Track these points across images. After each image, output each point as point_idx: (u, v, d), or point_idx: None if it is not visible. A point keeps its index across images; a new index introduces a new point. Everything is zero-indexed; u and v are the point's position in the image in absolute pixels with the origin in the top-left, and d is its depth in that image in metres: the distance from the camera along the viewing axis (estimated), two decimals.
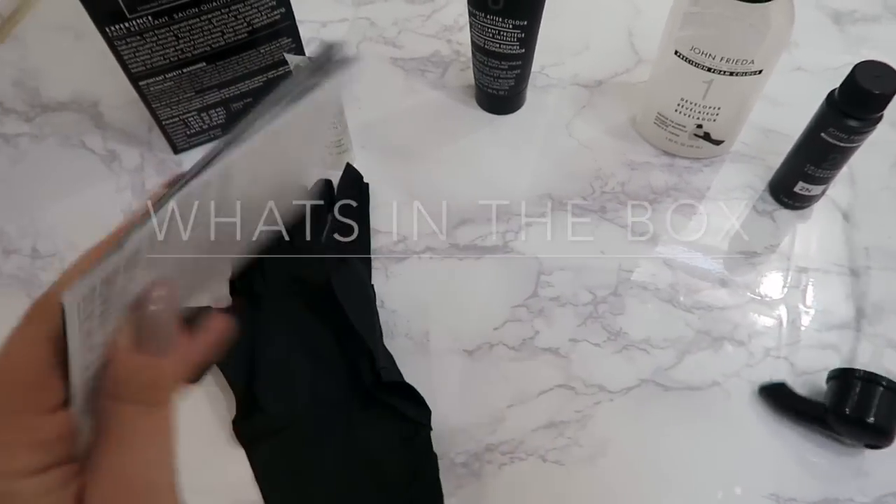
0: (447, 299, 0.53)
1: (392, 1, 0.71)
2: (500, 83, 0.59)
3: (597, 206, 0.57)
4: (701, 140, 0.56)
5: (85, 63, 0.67)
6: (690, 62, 0.50)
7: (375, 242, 0.56)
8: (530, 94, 0.63)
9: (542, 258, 0.55)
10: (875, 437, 0.43)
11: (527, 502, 0.45)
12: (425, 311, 0.53)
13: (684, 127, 0.55)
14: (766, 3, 0.45)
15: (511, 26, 0.54)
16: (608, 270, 0.54)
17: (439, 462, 0.45)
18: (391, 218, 0.57)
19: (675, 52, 0.50)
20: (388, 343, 0.50)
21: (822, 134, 0.49)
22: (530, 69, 0.59)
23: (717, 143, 0.56)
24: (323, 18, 0.70)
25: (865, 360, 0.49)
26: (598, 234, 0.56)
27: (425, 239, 0.56)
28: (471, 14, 0.55)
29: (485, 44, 0.56)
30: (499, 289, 0.54)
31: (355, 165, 0.59)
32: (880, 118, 0.47)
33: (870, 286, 0.53)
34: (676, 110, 0.54)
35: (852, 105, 0.46)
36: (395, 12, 0.70)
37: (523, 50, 0.56)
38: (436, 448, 0.46)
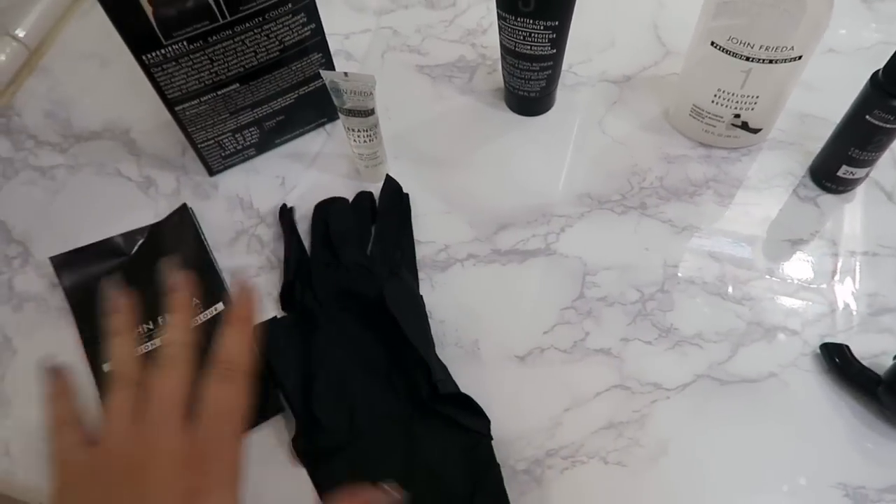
0: (494, 306, 0.53)
1: (413, 8, 0.71)
2: (531, 85, 0.59)
3: (637, 202, 0.57)
4: (738, 129, 0.56)
5: (113, 90, 0.68)
6: (728, 52, 0.49)
7: (418, 253, 0.56)
8: (560, 93, 0.63)
9: (585, 258, 0.55)
10: None
11: None
12: (473, 318, 0.53)
13: (721, 118, 0.55)
14: None
15: (542, 27, 0.53)
16: (653, 267, 0.54)
17: (501, 470, 0.45)
18: (431, 227, 0.57)
19: (712, 43, 0.50)
20: (440, 353, 0.50)
21: (867, 116, 0.48)
22: (561, 69, 0.59)
23: (755, 131, 0.56)
24: (346, 31, 0.70)
25: None
26: (640, 230, 0.56)
27: (467, 246, 0.56)
28: (500, 17, 0.55)
29: (515, 46, 0.56)
30: (545, 292, 0.54)
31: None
32: None
33: None
34: (713, 101, 0.54)
35: None
36: (418, 19, 0.70)
37: (555, 50, 0.56)
38: (496, 457, 0.46)
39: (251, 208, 0.60)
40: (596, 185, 0.58)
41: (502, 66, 0.60)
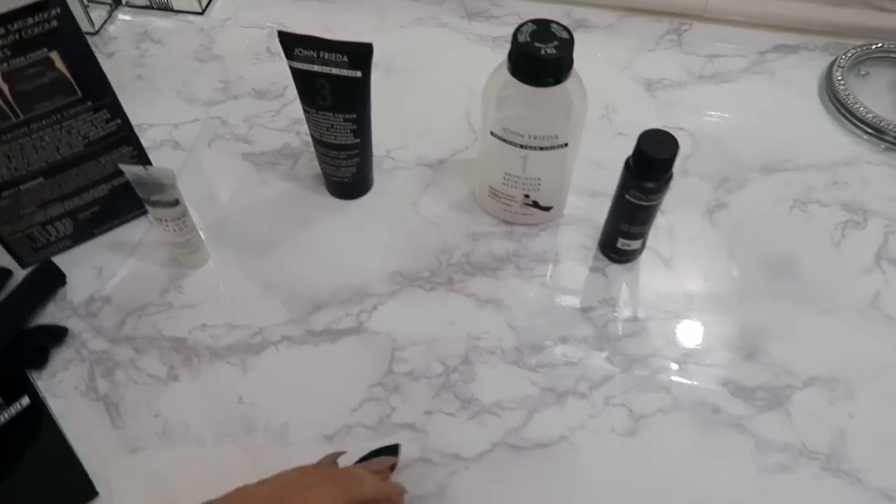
0: (306, 386, 0.55)
1: (243, 98, 0.74)
2: (343, 171, 0.62)
3: (444, 278, 0.60)
4: (531, 208, 0.61)
5: None
6: (505, 140, 0.54)
7: (233, 337, 0.57)
8: (378, 176, 0.66)
9: (395, 335, 0.57)
10: None
11: None
12: (284, 401, 0.54)
13: (514, 197, 0.60)
14: (562, 85, 0.51)
15: (342, 119, 0.57)
16: (458, 339, 0.57)
17: None
18: (247, 311, 0.58)
19: (491, 133, 0.55)
20: (248, 439, 0.51)
21: (627, 195, 0.54)
22: (370, 156, 0.63)
23: (547, 209, 0.61)
24: (175, 121, 0.72)
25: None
26: (447, 305, 0.59)
27: (281, 328, 0.57)
28: (304, 111, 0.58)
29: (322, 136, 0.59)
30: (355, 370, 0.55)
31: (210, 262, 0.61)
32: (670, 177, 0.52)
33: (692, 328, 0.57)
34: (504, 183, 0.59)
35: (644, 169, 0.52)
36: (246, 109, 0.73)
37: (359, 139, 0.59)
38: None
39: (64, 300, 0.59)
40: (407, 264, 0.61)
41: (316, 155, 0.63)
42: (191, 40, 0.80)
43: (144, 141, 0.62)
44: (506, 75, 0.52)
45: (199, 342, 0.57)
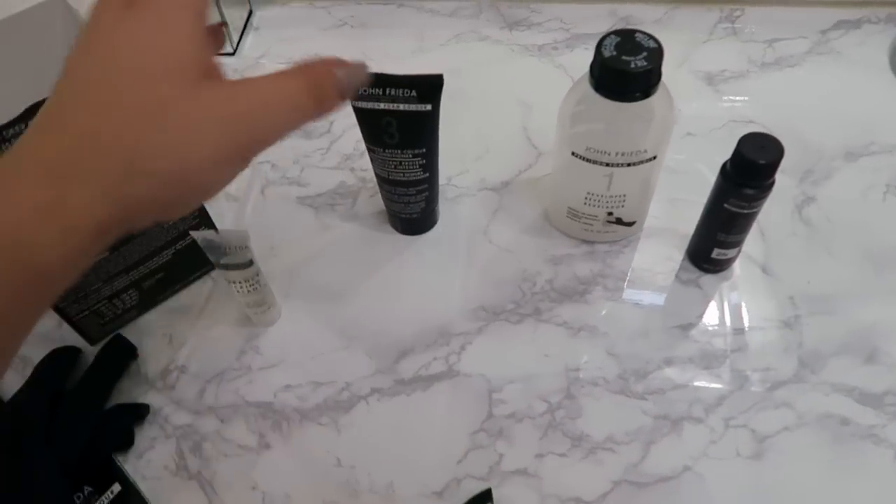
0: (404, 441, 0.52)
1: (288, 139, 0.71)
2: (411, 208, 0.59)
3: (531, 308, 0.57)
4: (614, 225, 0.57)
5: None
6: (588, 160, 0.51)
7: (322, 395, 0.54)
8: (443, 207, 0.64)
9: (489, 375, 0.54)
10: None
11: None
12: (385, 458, 0.51)
13: (596, 216, 0.57)
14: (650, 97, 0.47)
15: (411, 155, 0.54)
16: (556, 373, 0.54)
17: None
18: (331, 365, 0.56)
19: (573, 153, 0.52)
20: (354, 501, 0.48)
21: (725, 204, 0.51)
22: (438, 187, 0.60)
23: (630, 224, 0.58)
24: None
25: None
26: (537, 337, 0.56)
27: (369, 380, 0.55)
28: (369, 150, 0.55)
29: (389, 175, 0.56)
30: (454, 417, 0.52)
31: (283, 317, 0.58)
32: (773, 182, 0.49)
33: (803, 335, 0.54)
34: (585, 203, 0.56)
35: (745, 176, 0.49)
36: (295, 150, 0.70)
37: (427, 174, 0.56)
38: None
39: (138, 374, 0.56)
40: (489, 297, 0.58)
41: (381, 193, 0.60)
42: None
43: None
44: (584, 90, 0.48)
45: (286, 404, 0.54)
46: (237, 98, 0.28)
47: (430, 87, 0.50)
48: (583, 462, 0.50)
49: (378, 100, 0.50)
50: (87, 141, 0.26)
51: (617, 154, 0.50)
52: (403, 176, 0.56)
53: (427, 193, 0.58)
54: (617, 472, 0.49)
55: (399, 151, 0.54)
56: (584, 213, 0.57)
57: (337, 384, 0.55)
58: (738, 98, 0.69)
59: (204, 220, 0.57)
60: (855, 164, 0.63)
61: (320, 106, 0.30)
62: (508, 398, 0.53)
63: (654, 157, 0.51)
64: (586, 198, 0.55)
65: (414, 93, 0.50)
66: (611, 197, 0.54)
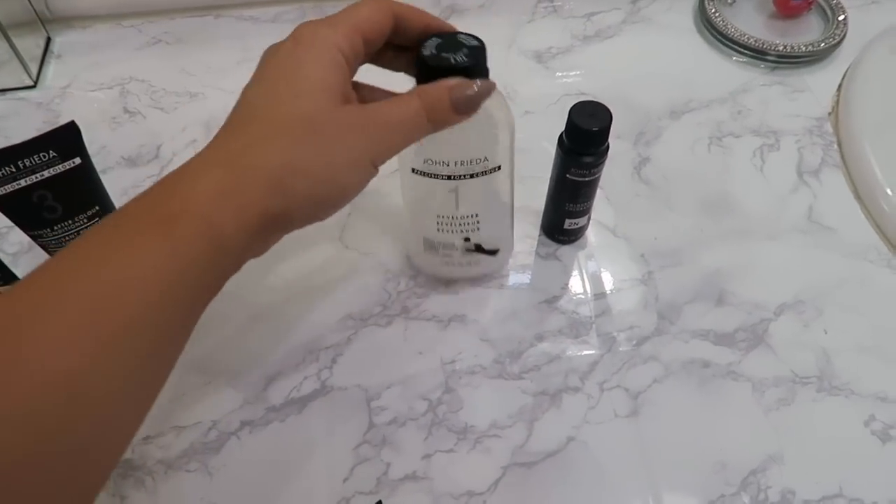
0: (284, 471, 0.48)
1: (113, 171, 0.65)
2: None
3: (398, 308, 0.56)
4: (475, 254, 0.54)
5: None
6: (427, 174, 0.48)
7: (183, 442, 0.49)
8: None
9: (365, 384, 0.52)
10: None
11: None
12: (266, 494, 0.47)
13: (453, 244, 0.53)
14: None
15: (86, 220, 0.50)
16: (433, 369, 0.53)
17: None
18: (193, 406, 0.51)
19: (412, 170, 0.48)
20: None
21: (567, 175, 0.51)
22: None
23: (493, 252, 0.55)
24: None
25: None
26: (409, 335, 0.54)
27: (237, 414, 0.51)
28: (35, 238, 0.50)
29: None
30: (334, 435, 0.50)
31: None
32: (607, 148, 0.50)
33: (658, 289, 0.56)
34: (438, 229, 0.52)
35: (580, 145, 0.49)
36: (122, 181, 0.64)
37: None
38: None
39: None
40: (354, 304, 0.56)
41: None
42: (31, 119, 0.69)
43: (9, 246, 0.52)
44: None
45: (148, 457, 0.49)
46: (368, 116, 0.36)
47: (66, 139, 0.46)
48: (471, 454, 0.49)
49: (15, 178, 0.45)
50: (258, 144, 0.33)
51: (456, 164, 0.48)
52: None
53: None
54: (505, 457, 0.49)
55: (70, 222, 0.50)
56: (440, 243, 0.54)
57: (202, 425, 0.50)
58: (568, 73, 0.71)
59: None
60: (679, 121, 0.67)
61: (434, 124, 0.38)
62: (388, 404, 0.51)
63: (499, 168, 0.49)
64: (438, 222, 0.52)
65: (53, 153, 0.46)
66: (462, 218, 0.51)
